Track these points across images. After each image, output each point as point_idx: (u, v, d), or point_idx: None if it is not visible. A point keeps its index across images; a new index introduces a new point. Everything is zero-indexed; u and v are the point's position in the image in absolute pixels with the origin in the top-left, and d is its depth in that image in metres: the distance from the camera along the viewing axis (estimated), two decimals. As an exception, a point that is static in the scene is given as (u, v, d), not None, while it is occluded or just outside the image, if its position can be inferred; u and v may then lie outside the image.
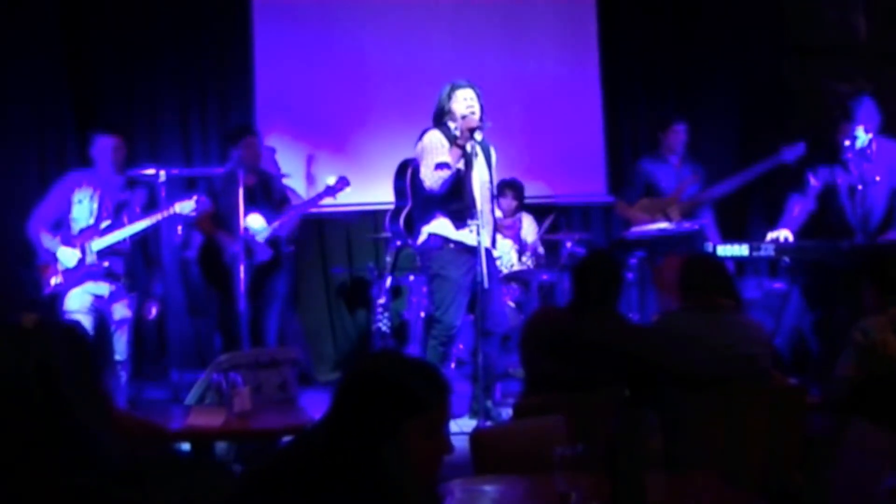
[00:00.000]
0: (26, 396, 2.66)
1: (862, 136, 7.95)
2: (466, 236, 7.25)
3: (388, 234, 9.04)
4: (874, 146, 7.99)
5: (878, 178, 7.96)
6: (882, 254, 7.30)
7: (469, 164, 7.20)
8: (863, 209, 8.04)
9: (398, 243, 9.07)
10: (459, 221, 7.26)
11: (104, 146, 7.90)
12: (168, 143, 10.06)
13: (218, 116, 10.19)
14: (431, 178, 7.15)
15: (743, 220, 9.87)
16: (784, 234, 8.00)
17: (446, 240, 7.32)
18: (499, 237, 8.05)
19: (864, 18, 9.55)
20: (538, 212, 9.90)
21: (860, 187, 8.01)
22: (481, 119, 7.23)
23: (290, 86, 10.26)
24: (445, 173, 7.09)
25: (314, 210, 8.86)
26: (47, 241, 7.73)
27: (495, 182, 7.61)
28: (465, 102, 7.24)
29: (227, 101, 10.26)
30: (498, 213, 8.39)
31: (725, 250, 7.79)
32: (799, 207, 8.23)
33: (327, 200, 8.56)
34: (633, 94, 10.60)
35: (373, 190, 9.70)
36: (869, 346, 4.83)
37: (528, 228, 9.72)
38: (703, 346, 4.92)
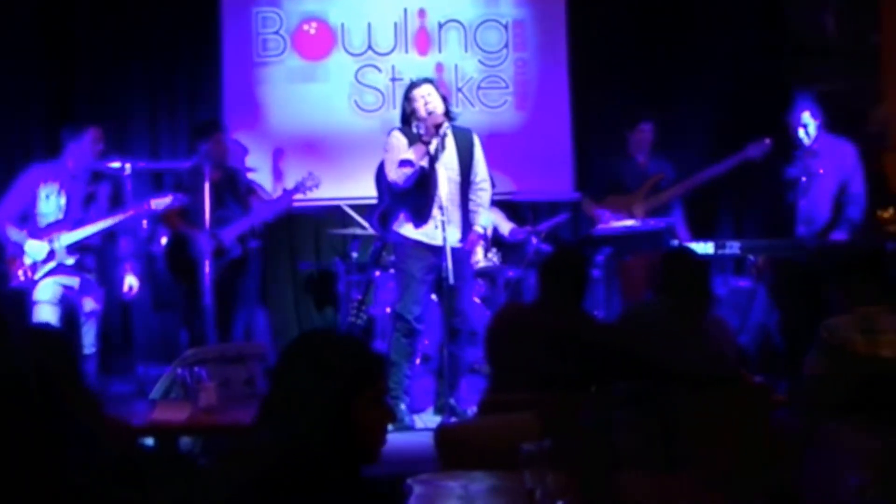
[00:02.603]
0: (24, 395, 2.65)
1: (811, 123, 8.08)
2: (425, 235, 7.29)
3: (363, 230, 9.12)
4: (819, 141, 8.12)
5: (821, 171, 8.06)
6: (847, 253, 7.35)
7: (434, 161, 7.22)
8: (805, 201, 8.14)
9: (379, 241, 9.09)
10: (419, 219, 7.30)
11: (91, 139, 7.85)
12: (135, 136, 10.01)
13: (186, 110, 10.15)
14: (395, 174, 7.22)
15: (711, 219, 9.90)
16: None
17: (407, 237, 7.35)
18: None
19: (833, 18, 9.60)
20: (508, 208, 9.91)
21: (804, 179, 8.11)
22: (447, 111, 7.29)
23: (258, 80, 10.22)
24: (408, 170, 7.17)
25: (281, 204, 8.84)
26: (13, 234, 7.69)
27: (478, 171, 7.58)
28: (422, 101, 7.29)
29: (195, 94, 10.23)
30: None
31: (691, 248, 7.81)
32: None
33: (297, 196, 8.54)
34: (601, 91, 10.57)
35: (341, 185, 9.68)
36: (835, 345, 4.85)
37: (499, 222, 9.71)
38: (669, 341, 4.93)
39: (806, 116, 8.18)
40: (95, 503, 2.57)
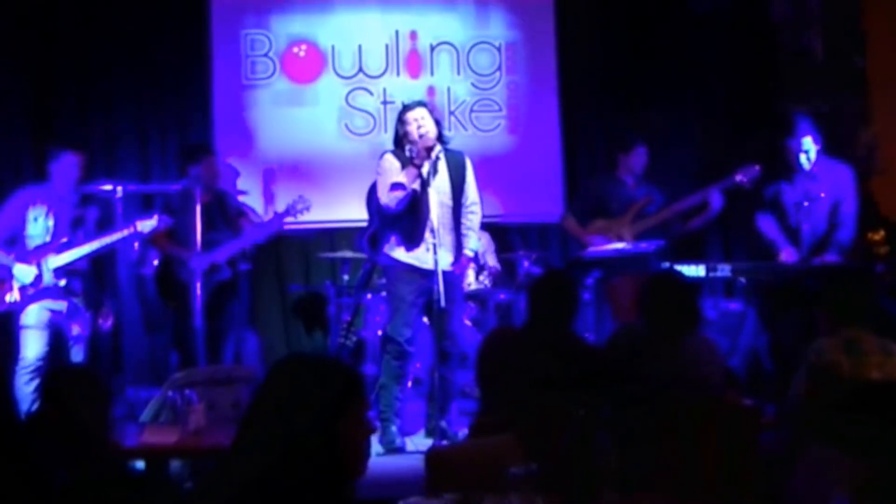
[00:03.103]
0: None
1: (812, 148, 8.11)
2: (416, 258, 7.31)
3: (353, 253, 9.12)
4: (818, 164, 8.15)
5: (822, 195, 8.09)
6: (835, 276, 7.38)
7: (425, 185, 7.23)
8: (808, 225, 8.16)
9: (369, 263, 9.08)
10: (411, 243, 7.32)
11: (67, 163, 7.84)
12: (125, 158, 9.97)
13: (176, 132, 10.10)
14: (387, 197, 7.24)
15: (700, 241, 9.89)
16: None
17: (398, 261, 7.37)
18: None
19: (819, 40, 9.62)
20: (495, 231, 9.89)
21: (806, 203, 8.13)
22: (439, 134, 7.32)
23: (247, 103, 10.20)
24: (400, 194, 7.19)
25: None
26: (1, 257, 7.68)
27: (468, 193, 7.60)
28: (415, 124, 7.30)
29: (185, 116, 10.18)
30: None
31: (682, 271, 7.81)
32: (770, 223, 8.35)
33: (288, 219, 8.54)
34: (591, 115, 10.57)
35: (331, 209, 9.68)
36: (822, 368, 4.86)
37: (486, 247, 9.71)
38: (654, 370, 4.95)
39: (808, 142, 8.19)
40: (95, 503, 2.57)
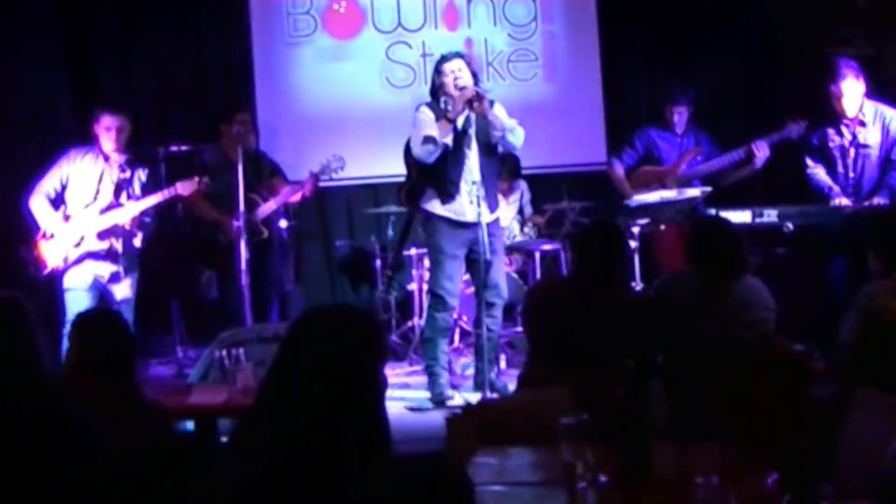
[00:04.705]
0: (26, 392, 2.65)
1: (854, 94, 7.98)
2: (454, 211, 7.31)
3: (397, 208, 9.10)
4: (864, 110, 8.02)
5: (867, 141, 8.00)
6: (886, 218, 7.29)
7: (460, 138, 7.21)
8: (855, 172, 8.07)
9: (408, 217, 9.07)
10: (448, 196, 7.29)
11: (109, 125, 7.84)
12: (167, 120, 9.99)
13: (216, 93, 10.11)
14: (420, 150, 7.23)
15: (746, 188, 9.81)
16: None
17: (436, 213, 7.36)
18: (503, 204, 7.97)
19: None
20: (540, 181, 9.86)
21: (852, 150, 8.04)
22: (476, 86, 7.26)
23: (289, 61, 10.19)
24: (431, 147, 7.15)
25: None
26: (46, 218, 7.68)
27: (499, 126, 7.48)
28: (452, 75, 7.28)
29: (226, 77, 10.20)
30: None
31: (728, 216, 7.75)
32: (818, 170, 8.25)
33: (322, 177, 8.53)
34: (632, 61, 10.52)
35: (373, 163, 9.68)
36: (873, 311, 4.80)
37: (526, 198, 9.70)
38: (705, 316, 4.92)
39: (849, 87, 8.06)
40: (95, 503, 2.56)
